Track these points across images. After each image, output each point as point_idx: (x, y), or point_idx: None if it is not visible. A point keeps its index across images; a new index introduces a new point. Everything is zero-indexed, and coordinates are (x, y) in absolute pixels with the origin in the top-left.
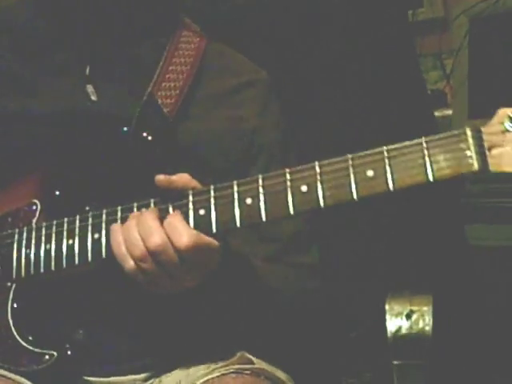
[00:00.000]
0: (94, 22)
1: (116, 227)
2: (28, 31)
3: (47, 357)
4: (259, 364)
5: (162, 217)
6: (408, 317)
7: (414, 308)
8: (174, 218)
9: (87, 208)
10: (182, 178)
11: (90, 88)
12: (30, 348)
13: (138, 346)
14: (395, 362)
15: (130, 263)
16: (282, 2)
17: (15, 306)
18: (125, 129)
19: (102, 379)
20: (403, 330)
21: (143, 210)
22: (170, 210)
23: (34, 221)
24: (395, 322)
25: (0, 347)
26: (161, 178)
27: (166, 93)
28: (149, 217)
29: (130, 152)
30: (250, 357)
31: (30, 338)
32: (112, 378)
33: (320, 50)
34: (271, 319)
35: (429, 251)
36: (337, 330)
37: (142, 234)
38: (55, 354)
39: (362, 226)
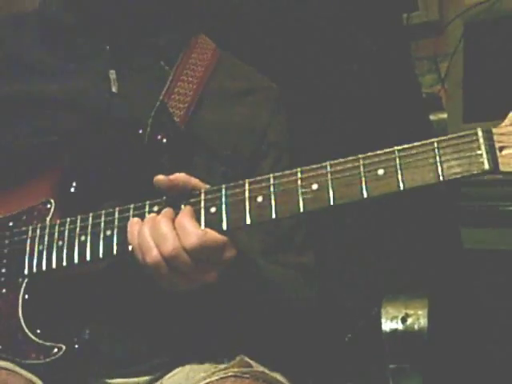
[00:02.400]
0: (118, 14)
1: (133, 223)
2: (55, 21)
3: (56, 350)
4: (258, 367)
5: (175, 215)
6: (403, 320)
7: (410, 311)
8: (183, 218)
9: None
10: (181, 177)
11: (112, 74)
12: (39, 341)
13: (142, 348)
14: (391, 366)
15: (143, 262)
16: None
17: (26, 300)
18: (140, 131)
19: (106, 380)
20: (398, 334)
21: (159, 212)
22: (182, 207)
23: (48, 218)
24: (390, 326)
25: (10, 340)
26: (160, 178)
27: (176, 103)
28: (162, 221)
29: (144, 153)
30: (249, 360)
31: (39, 332)
32: (116, 380)
33: (315, 54)
34: (269, 320)
35: (424, 255)
36: (332, 332)
37: (155, 239)
38: (63, 347)
39: (357, 229)
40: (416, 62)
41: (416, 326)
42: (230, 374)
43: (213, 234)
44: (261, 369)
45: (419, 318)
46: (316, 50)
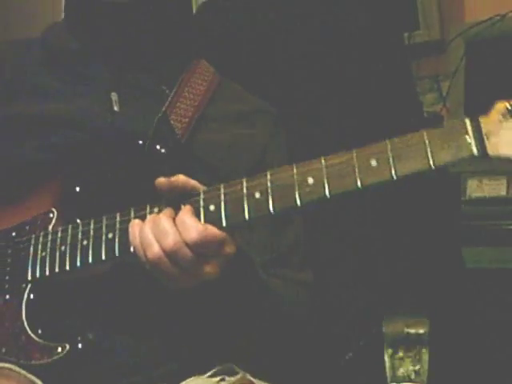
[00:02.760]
0: (120, 40)
1: (135, 224)
2: (58, 46)
3: (59, 349)
4: None
5: (176, 214)
6: (405, 339)
7: (411, 330)
8: (184, 214)
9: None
10: (180, 179)
11: (114, 96)
12: (43, 342)
13: (146, 354)
14: None
15: (145, 260)
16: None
17: (29, 304)
18: (140, 142)
19: None
20: (400, 353)
21: (159, 211)
22: (182, 207)
23: (50, 227)
24: (392, 345)
25: (14, 343)
26: (161, 180)
27: (177, 117)
28: (162, 218)
29: (144, 164)
30: (251, 378)
31: (43, 333)
32: None
33: (316, 76)
34: (269, 330)
35: (425, 274)
36: (332, 351)
37: (156, 235)
38: (67, 346)
39: (358, 247)
40: (417, 80)
41: (417, 345)
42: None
43: (213, 229)
44: (248, 376)
45: (420, 337)
46: (317, 72)
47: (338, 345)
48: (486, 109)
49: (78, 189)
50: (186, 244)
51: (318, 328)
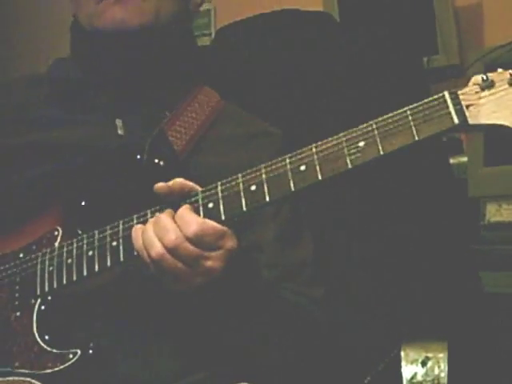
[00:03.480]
0: (123, 70)
1: (137, 228)
2: (64, 78)
3: (71, 355)
4: None
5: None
6: (423, 364)
7: (430, 355)
8: (183, 210)
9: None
10: (177, 182)
11: (119, 122)
12: (55, 351)
13: (158, 362)
14: None
15: (148, 260)
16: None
17: (40, 318)
18: (138, 156)
19: None
20: (418, 377)
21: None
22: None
23: (56, 244)
24: (410, 369)
25: (27, 356)
26: (160, 185)
27: (176, 134)
28: (162, 216)
29: (143, 177)
30: None
31: (55, 344)
32: None
33: (333, 101)
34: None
35: (444, 298)
36: (351, 374)
37: (157, 233)
38: (78, 351)
39: (376, 270)
40: None
41: (436, 370)
42: None
43: (212, 222)
44: None
45: (439, 362)
46: (334, 97)
47: (356, 369)
48: (504, 133)
49: (80, 205)
50: (187, 238)
51: (336, 351)
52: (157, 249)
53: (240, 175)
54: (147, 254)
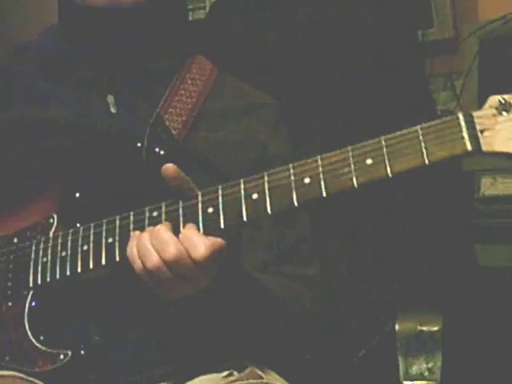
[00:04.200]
0: (114, 44)
1: (135, 234)
2: (53, 51)
3: (62, 356)
4: (268, 379)
5: (174, 230)
6: (418, 337)
7: (424, 328)
8: (189, 231)
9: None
10: (181, 178)
11: (110, 99)
12: (46, 349)
13: (150, 355)
14: (405, 383)
15: (142, 271)
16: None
17: (31, 311)
18: (138, 144)
19: None
20: (413, 351)
21: (159, 217)
22: (181, 222)
23: (51, 232)
24: (405, 343)
25: (17, 351)
26: (170, 165)
27: (173, 117)
28: (162, 230)
29: (143, 166)
30: (260, 372)
31: (46, 341)
32: None
33: (329, 72)
34: (275, 329)
35: (439, 272)
36: (345, 348)
37: (156, 246)
38: (69, 352)
39: (371, 244)
40: (431, 79)
41: (431, 343)
42: None
43: (219, 240)
44: (272, 381)
45: (434, 335)
46: (329, 69)
47: (351, 343)
48: None
49: (78, 194)
50: (192, 258)
51: (330, 325)
52: (154, 260)
53: (242, 180)
54: (142, 263)
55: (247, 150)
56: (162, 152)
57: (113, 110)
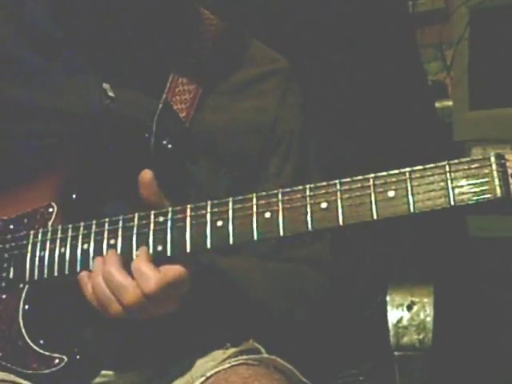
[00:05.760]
0: (108, 29)
1: (85, 279)
2: (43, 32)
3: (57, 361)
4: (266, 353)
5: (125, 259)
6: (409, 308)
7: (415, 299)
8: (139, 263)
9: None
10: (155, 193)
11: (106, 86)
12: (40, 351)
13: (145, 342)
14: (396, 353)
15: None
16: None
17: (27, 307)
18: (146, 135)
19: (110, 372)
20: (404, 322)
21: (106, 255)
22: (134, 250)
23: (50, 223)
24: (396, 314)
25: (10, 348)
26: (147, 174)
27: (180, 97)
28: (113, 269)
29: (149, 158)
30: (259, 346)
31: (41, 342)
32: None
33: (322, 42)
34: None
35: (430, 242)
36: (338, 319)
37: (113, 291)
38: (65, 358)
39: None
40: (421, 49)
41: (422, 314)
42: (240, 361)
43: (171, 275)
44: (273, 356)
45: (425, 306)
46: (327, 34)
47: (344, 314)
48: (489, 77)
49: (79, 184)
50: (145, 295)
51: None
52: (115, 307)
53: (255, 196)
54: (104, 311)
55: (256, 132)
56: (169, 146)
57: (111, 94)
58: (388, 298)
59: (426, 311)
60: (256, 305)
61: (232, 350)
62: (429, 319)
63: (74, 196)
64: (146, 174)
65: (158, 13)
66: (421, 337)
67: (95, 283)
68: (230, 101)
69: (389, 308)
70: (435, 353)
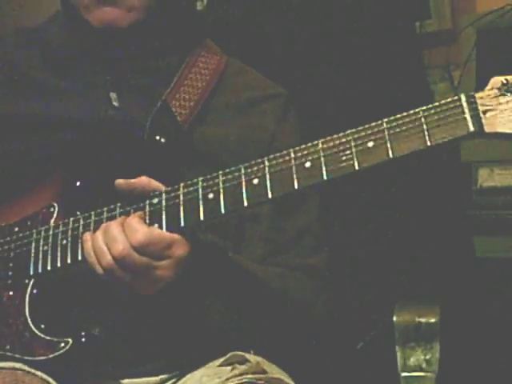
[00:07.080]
0: (117, 42)
1: (87, 237)
2: (57, 45)
3: (62, 344)
4: (272, 374)
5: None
6: (416, 329)
7: (422, 320)
8: (131, 219)
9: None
10: (141, 181)
11: (113, 95)
12: (47, 337)
13: (151, 348)
14: (403, 374)
15: (100, 271)
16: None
17: (32, 300)
18: (139, 133)
19: (115, 382)
20: (411, 342)
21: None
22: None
23: (52, 221)
24: (403, 334)
25: (18, 340)
26: (121, 181)
27: (180, 103)
28: (113, 225)
29: (143, 154)
30: (265, 367)
31: (46, 328)
32: (126, 381)
33: (329, 63)
34: (274, 322)
35: (436, 263)
36: (344, 340)
37: (107, 242)
38: (70, 340)
39: (370, 237)
40: (429, 70)
41: (429, 335)
42: (244, 380)
43: (158, 232)
44: (276, 375)
45: (432, 327)
46: (329, 58)
47: (349, 334)
48: None
49: (78, 183)
50: (133, 247)
51: (329, 316)
52: (107, 259)
53: (242, 166)
54: (99, 263)
55: (253, 147)
56: (162, 140)
57: (115, 104)
58: (395, 319)
59: (432, 332)
60: (254, 294)
61: (238, 369)
62: (435, 340)
63: (73, 195)
64: (118, 184)
65: (163, 38)
66: (428, 357)
67: (94, 237)
68: (231, 118)
69: (396, 328)
70: (442, 373)
